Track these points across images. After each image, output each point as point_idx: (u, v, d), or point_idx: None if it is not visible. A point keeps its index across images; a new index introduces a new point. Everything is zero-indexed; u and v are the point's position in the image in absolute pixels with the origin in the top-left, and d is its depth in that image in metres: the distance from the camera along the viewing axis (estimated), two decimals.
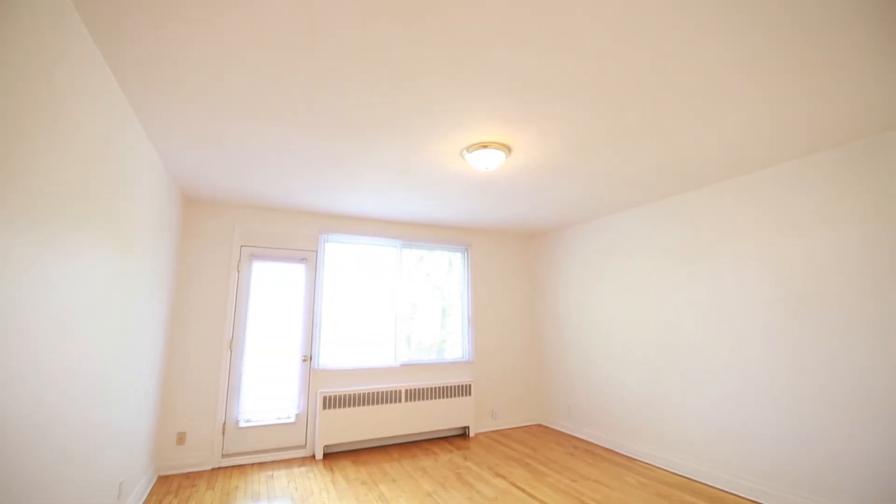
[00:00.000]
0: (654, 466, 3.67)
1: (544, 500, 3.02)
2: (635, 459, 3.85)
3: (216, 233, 4.02)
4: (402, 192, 3.68)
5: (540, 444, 4.36)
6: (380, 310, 4.61)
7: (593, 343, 4.50)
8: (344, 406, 4.11)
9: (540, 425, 5.06)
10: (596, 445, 4.27)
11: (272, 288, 4.20)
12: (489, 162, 2.73)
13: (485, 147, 2.65)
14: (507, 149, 2.71)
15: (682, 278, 3.63)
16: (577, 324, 4.71)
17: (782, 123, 2.39)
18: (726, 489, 3.13)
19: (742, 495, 3.03)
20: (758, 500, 2.94)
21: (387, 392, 4.33)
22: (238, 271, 4.06)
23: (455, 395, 4.63)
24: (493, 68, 1.86)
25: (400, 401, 4.37)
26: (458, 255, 5.20)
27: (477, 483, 3.36)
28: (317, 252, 4.41)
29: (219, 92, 2.06)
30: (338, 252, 4.55)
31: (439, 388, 4.57)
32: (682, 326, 3.60)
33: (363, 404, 4.20)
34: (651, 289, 3.92)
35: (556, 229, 5.15)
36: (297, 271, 4.33)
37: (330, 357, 4.31)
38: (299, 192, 3.65)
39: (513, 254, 5.50)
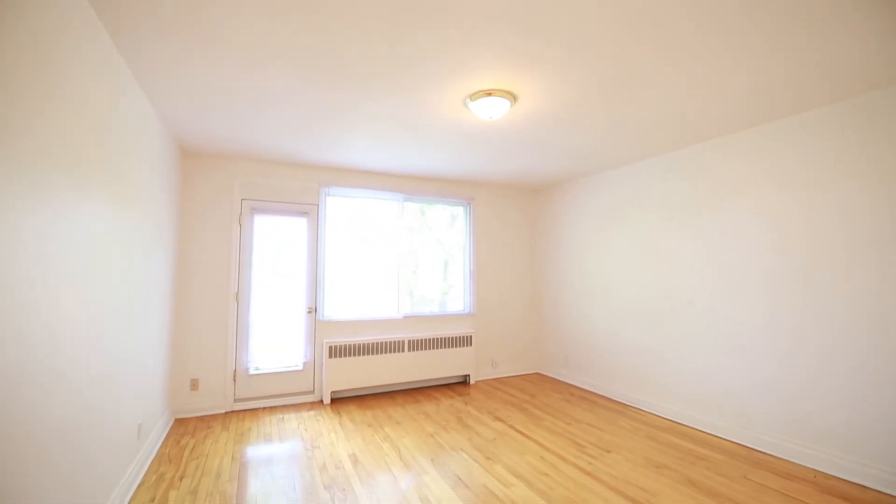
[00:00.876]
0: (646, 412, 3.84)
1: (540, 441, 3.20)
2: (629, 406, 4.03)
3: (216, 186, 3.98)
4: (404, 144, 3.59)
5: (538, 391, 4.55)
6: (382, 263, 4.65)
7: (593, 297, 4.57)
8: (349, 355, 4.26)
9: (539, 374, 5.26)
10: (592, 393, 4.46)
11: (275, 241, 4.22)
12: (493, 111, 2.64)
13: (489, 95, 2.55)
14: (513, 97, 2.61)
15: (684, 233, 3.62)
16: (578, 278, 4.76)
17: (795, 75, 2.28)
18: (714, 433, 3.30)
19: (730, 438, 3.20)
20: (747, 445, 3.10)
21: (390, 342, 4.46)
22: (240, 225, 4.06)
23: (456, 346, 4.78)
24: (498, 9, 1.75)
25: (403, 350, 4.52)
26: (461, 209, 5.16)
27: (477, 426, 3.54)
28: (318, 206, 4.39)
29: (216, 39, 1.95)
30: (339, 206, 4.52)
31: (441, 339, 4.71)
32: (680, 281, 3.63)
33: (368, 354, 4.34)
34: (653, 244, 3.91)
35: (558, 184, 5.07)
36: (298, 225, 4.33)
37: (334, 309, 4.41)
38: (299, 144, 3.57)
39: (515, 208, 5.45)
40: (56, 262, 1.55)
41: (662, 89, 2.51)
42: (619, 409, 3.96)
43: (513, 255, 5.38)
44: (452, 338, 4.76)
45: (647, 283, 3.95)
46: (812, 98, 2.64)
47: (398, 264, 4.72)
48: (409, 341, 4.55)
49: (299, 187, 4.31)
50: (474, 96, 2.59)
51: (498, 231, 5.31)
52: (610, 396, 4.29)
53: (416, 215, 4.91)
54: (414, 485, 2.54)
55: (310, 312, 4.28)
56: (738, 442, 3.14)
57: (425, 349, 4.63)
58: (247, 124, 3.12)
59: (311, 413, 3.88)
